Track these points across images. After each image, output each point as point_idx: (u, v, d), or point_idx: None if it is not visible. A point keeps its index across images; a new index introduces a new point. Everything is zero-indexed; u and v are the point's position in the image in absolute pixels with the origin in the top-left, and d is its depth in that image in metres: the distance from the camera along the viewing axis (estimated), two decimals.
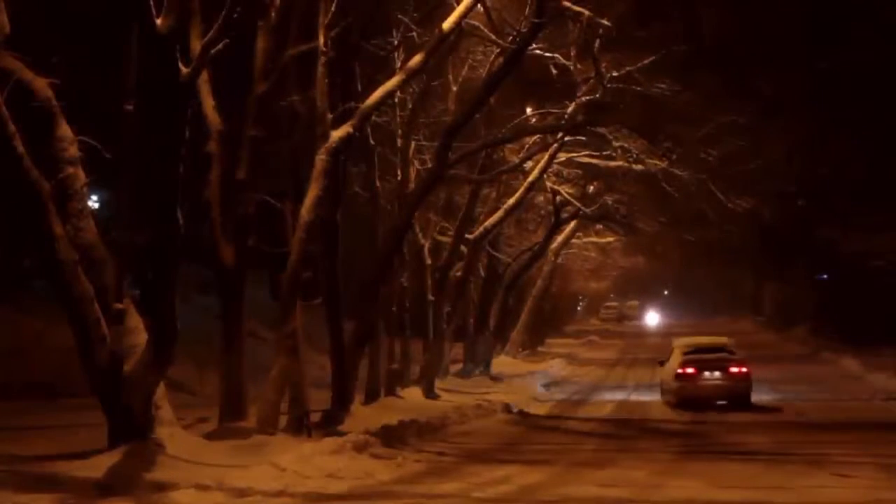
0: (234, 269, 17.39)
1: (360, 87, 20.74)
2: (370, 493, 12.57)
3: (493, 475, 14.04)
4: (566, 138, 28.29)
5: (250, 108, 17.55)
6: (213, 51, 13.05)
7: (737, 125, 26.54)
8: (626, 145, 27.70)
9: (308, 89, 18.47)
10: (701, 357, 25.76)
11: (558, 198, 34.77)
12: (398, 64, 22.02)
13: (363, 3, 20.45)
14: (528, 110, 28.89)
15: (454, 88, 26.29)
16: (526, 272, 40.97)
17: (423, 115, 25.77)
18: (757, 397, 25.77)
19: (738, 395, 24.89)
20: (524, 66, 23.85)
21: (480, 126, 27.01)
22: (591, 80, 25.79)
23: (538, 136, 28.36)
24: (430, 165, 23.43)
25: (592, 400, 29.09)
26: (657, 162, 27.76)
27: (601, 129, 27.09)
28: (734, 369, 25.21)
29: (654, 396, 27.75)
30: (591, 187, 35.94)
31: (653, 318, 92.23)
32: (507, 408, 24.69)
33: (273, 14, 17.54)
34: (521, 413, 24.39)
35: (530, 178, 29.78)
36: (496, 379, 33.64)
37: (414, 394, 25.76)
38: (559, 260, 47.32)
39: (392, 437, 16.90)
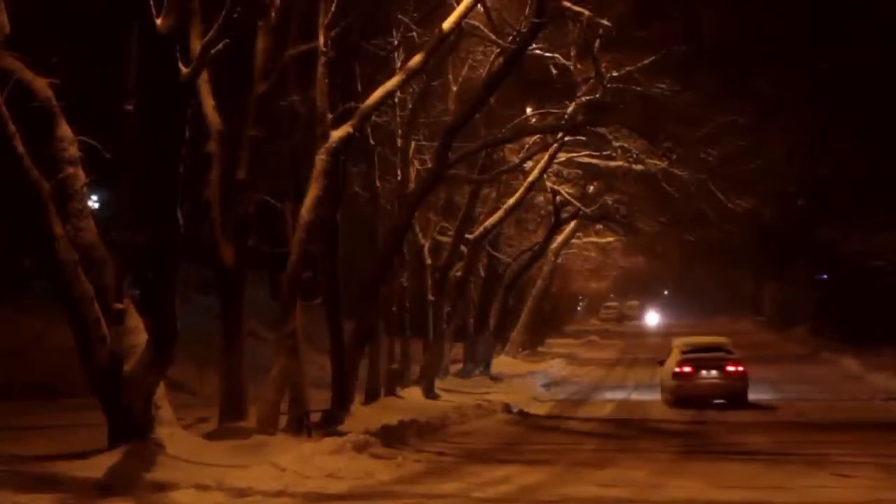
0: (234, 269, 17.39)
1: (360, 87, 20.74)
2: (370, 493, 12.57)
3: (493, 475, 14.03)
4: (566, 138, 28.27)
5: (250, 108, 17.56)
6: (213, 51, 13.06)
7: (737, 125, 26.54)
8: (626, 145, 27.69)
9: (308, 89, 18.47)
10: (698, 356, 25.88)
11: (558, 198, 34.75)
12: (398, 64, 22.01)
13: (363, 3, 20.44)
14: (528, 110, 28.87)
15: (454, 88, 26.29)
16: (526, 272, 40.94)
17: (423, 115, 25.76)
18: (757, 397, 25.82)
19: (734, 394, 25.08)
20: (524, 66, 23.85)
21: (480, 126, 26.99)
22: (591, 80, 25.78)
23: (538, 136, 28.34)
24: (430, 165, 23.42)
25: (592, 400, 29.06)
26: (657, 162, 27.75)
27: (601, 129, 27.08)
28: (731, 368, 25.37)
29: (654, 396, 27.73)
30: (591, 187, 35.91)
31: (653, 318, 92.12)
32: (507, 408, 24.68)
33: (273, 14, 17.54)
34: (521, 413, 24.39)
35: (530, 178, 29.76)
36: (496, 379, 33.61)
37: (414, 394, 25.75)
38: (559, 260, 47.27)
39: (392, 437, 16.90)
